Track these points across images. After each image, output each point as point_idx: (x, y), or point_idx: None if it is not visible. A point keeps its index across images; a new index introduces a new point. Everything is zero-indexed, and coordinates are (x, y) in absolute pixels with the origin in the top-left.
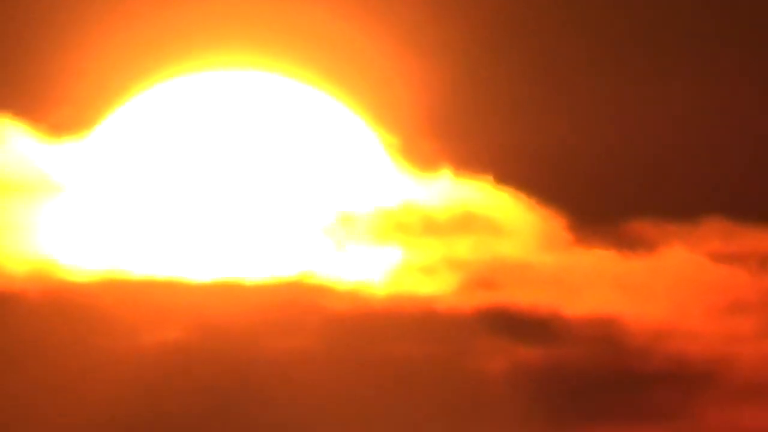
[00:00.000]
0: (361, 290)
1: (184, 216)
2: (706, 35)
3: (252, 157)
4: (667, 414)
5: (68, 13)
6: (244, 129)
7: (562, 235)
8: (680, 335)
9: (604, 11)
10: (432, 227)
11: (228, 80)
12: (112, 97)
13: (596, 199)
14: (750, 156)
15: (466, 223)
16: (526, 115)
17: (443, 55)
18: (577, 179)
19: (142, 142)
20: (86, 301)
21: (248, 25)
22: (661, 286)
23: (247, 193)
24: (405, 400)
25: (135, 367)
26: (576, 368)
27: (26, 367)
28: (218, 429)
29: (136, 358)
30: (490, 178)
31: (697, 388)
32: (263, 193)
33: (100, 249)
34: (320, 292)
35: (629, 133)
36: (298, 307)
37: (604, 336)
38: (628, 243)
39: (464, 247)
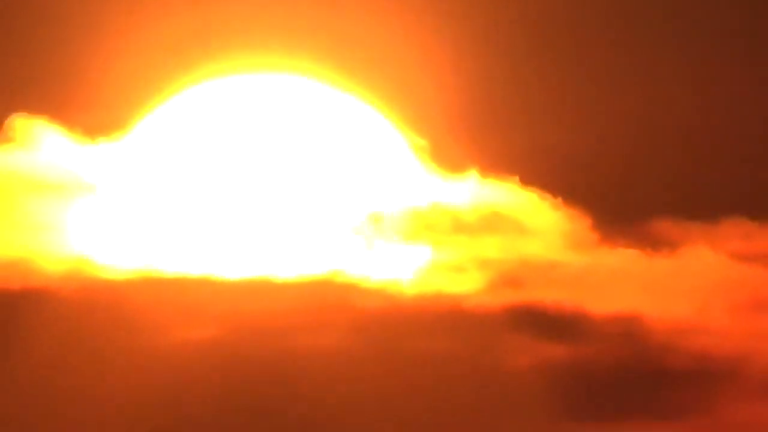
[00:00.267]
0: (390, 288)
1: (217, 215)
2: (729, 39)
3: (284, 159)
4: (689, 410)
5: (102, 18)
6: (276, 131)
7: (587, 234)
8: (702, 333)
9: (630, 15)
10: (460, 227)
11: (259, 83)
12: (144, 101)
13: (620, 199)
14: None
15: (493, 223)
16: (552, 118)
17: (470, 61)
18: (601, 181)
19: (175, 144)
20: (120, 298)
21: (279, 29)
22: (683, 284)
23: (279, 193)
24: (433, 395)
25: (167, 362)
26: (600, 365)
27: (62, 361)
28: (250, 423)
29: (169, 354)
30: (517, 179)
31: (719, 384)
32: (295, 194)
33: (133, 248)
34: (350, 290)
35: (653, 135)
36: (329, 305)
37: (627, 333)
38: (651, 243)
39: (491, 247)
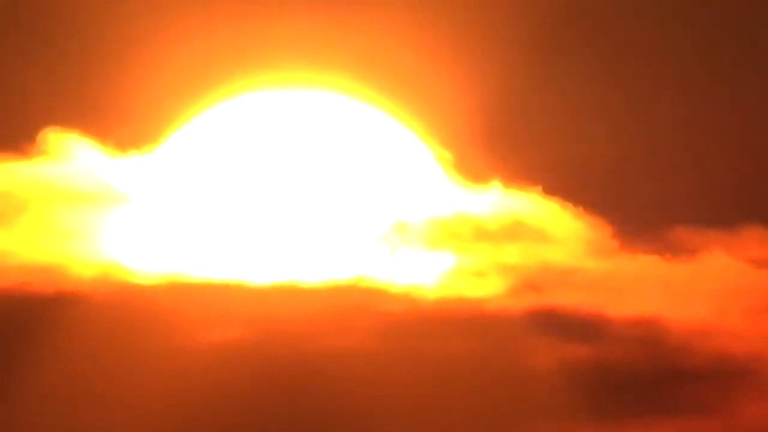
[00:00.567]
0: (414, 293)
1: (245, 222)
2: (750, 49)
3: (313, 169)
4: (707, 410)
5: (134, 33)
6: (306, 142)
7: (608, 241)
8: (720, 335)
9: (651, 27)
10: (483, 234)
11: (289, 98)
12: (174, 115)
13: (640, 208)
14: None
15: (515, 231)
16: (572, 129)
17: (493, 75)
18: (621, 189)
19: (205, 155)
20: (150, 302)
21: (308, 45)
22: (702, 289)
23: (306, 201)
24: (455, 396)
25: (196, 365)
26: (620, 367)
27: (93, 363)
28: (276, 425)
29: (197, 357)
30: (539, 188)
31: (736, 386)
32: (322, 202)
33: (163, 253)
34: (375, 294)
35: (671, 145)
36: (354, 309)
37: (647, 336)
38: (670, 249)
39: (513, 253)
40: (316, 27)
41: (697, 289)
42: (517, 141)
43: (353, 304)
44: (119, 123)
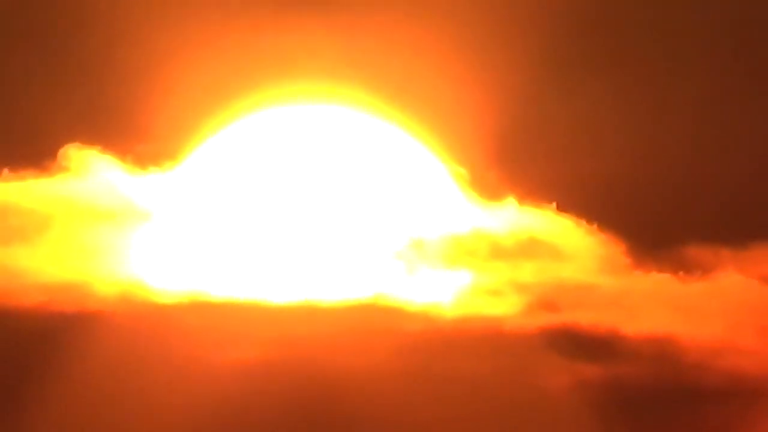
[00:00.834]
0: (431, 311)
1: (265, 241)
2: (763, 66)
3: (329, 187)
4: (721, 428)
5: (152, 52)
6: (322, 159)
7: (621, 259)
8: (733, 353)
9: (664, 46)
10: (498, 252)
11: (306, 114)
12: (194, 131)
13: (653, 225)
14: None
15: (530, 249)
16: (587, 147)
17: (508, 92)
18: (635, 207)
19: (223, 173)
20: (170, 321)
21: (323, 61)
22: (715, 307)
23: (324, 220)
24: (473, 414)
25: (216, 384)
26: (635, 385)
27: (114, 381)
28: None
29: (217, 375)
30: (553, 206)
31: (750, 404)
32: (340, 221)
33: (184, 272)
34: (393, 313)
35: (684, 162)
36: (373, 327)
37: (661, 354)
38: (683, 267)
39: (529, 271)
40: (333, 42)
41: (710, 307)
42: (532, 158)
43: (371, 322)
44: (140, 140)
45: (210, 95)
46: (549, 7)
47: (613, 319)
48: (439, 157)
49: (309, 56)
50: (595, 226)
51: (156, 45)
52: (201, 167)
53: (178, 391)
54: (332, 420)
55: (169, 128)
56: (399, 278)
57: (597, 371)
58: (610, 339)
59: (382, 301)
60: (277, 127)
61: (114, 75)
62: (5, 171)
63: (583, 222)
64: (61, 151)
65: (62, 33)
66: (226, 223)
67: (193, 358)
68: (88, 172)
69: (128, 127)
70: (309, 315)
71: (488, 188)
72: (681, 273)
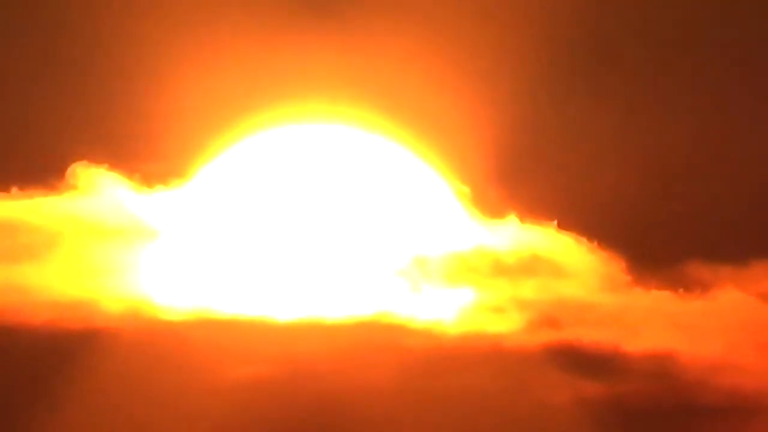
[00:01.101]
0: (434, 328)
1: (270, 259)
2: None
3: (334, 204)
4: None
5: (159, 73)
6: (327, 178)
7: (622, 276)
8: (733, 370)
9: (663, 61)
10: (500, 269)
11: (312, 133)
12: (201, 151)
13: (653, 243)
14: None
15: (532, 266)
16: (588, 165)
17: (510, 111)
18: (635, 225)
19: (230, 191)
20: (178, 337)
21: (329, 81)
22: (714, 324)
23: (329, 238)
24: (476, 430)
25: (222, 400)
26: (636, 401)
27: (121, 398)
28: None
29: (223, 392)
30: (555, 224)
31: (750, 420)
32: (345, 239)
33: (191, 289)
34: (397, 330)
35: (684, 182)
36: (376, 344)
37: (661, 371)
38: (683, 284)
39: (530, 288)
40: (338, 63)
41: (710, 324)
42: (533, 177)
43: (375, 339)
44: (147, 158)
45: (216, 115)
46: (551, 26)
47: (614, 336)
48: (442, 175)
49: (314, 76)
50: (595, 244)
51: (162, 65)
52: (208, 186)
53: (184, 406)
54: None
55: (177, 147)
56: (402, 295)
57: (598, 388)
58: (610, 356)
59: (385, 318)
60: (283, 146)
61: (121, 94)
62: (14, 189)
63: (584, 240)
64: (70, 170)
65: (70, 53)
66: (232, 240)
67: (200, 374)
68: (96, 190)
69: (136, 146)
70: (314, 332)
71: (490, 206)
72: (681, 290)
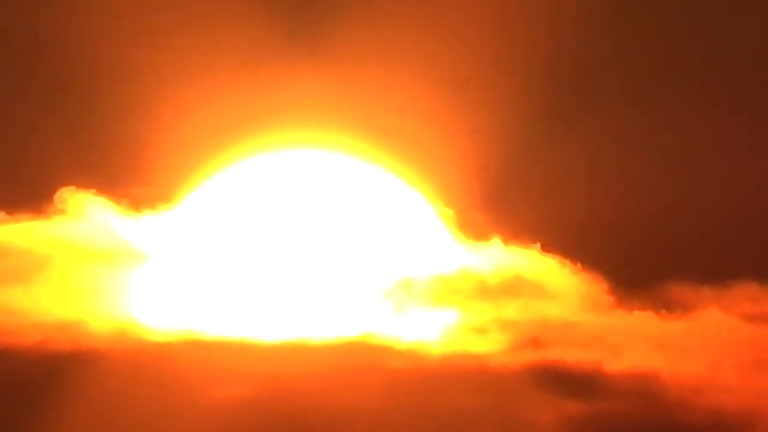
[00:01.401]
0: (419, 349)
1: (255, 281)
2: (740, 108)
3: (320, 228)
4: None
5: (148, 96)
6: (312, 202)
7: (604, 298)
8: (714, 389)
9: (646, 88)
10: (484, 291)
11: (297, 158)
12: (188, 176)
13: (635, 265)
14: None
15: (515, 288)
16: (570, 188)
17: (493, 136)
18: (617, 247)
19: (216, 216)
20: (165, 358)
21: (315, 107)
22: (696, 344)
23: (314, 260)
24: None
25: (208, 421)
26: (618, 420)
27: (110, 418)
28: None
29: (209, 412)
30: (538, 246)
31: None
32: (329, 261)
33: (177, 311)
34: (382, 351)
35: (665, 203)
36: (361, 365)
37: (644, 390)
38: (665, 305)
39: (514, 309)
40: (324, 90)
41: (691, 344)
42: (517, 199)
43: (360, 360)
44: (135, 183)
45: (203, 141)
46: (533, 55)
47: (597, 357)
48: (427, 199)
49: (300, 104)
50: (578, 265)
51: (150, 91)
52: (194, 210)
53: (171, 426)
54: None
55: (164, 172)
56: (387, 316)
57: (581, 407)
58: (593, 376)
59: (370, 339)
60: (269, 172)
61: (109, 120)
62: (2, 213)
63: (567, 262)
64: (58, 194)
65: (58, 79)
66: (218, 264)
67: (186, 394)
68: (84, 214)
69: (123, 171)
70: (299, 353)
71: (474, 229)
72: (663, 311)
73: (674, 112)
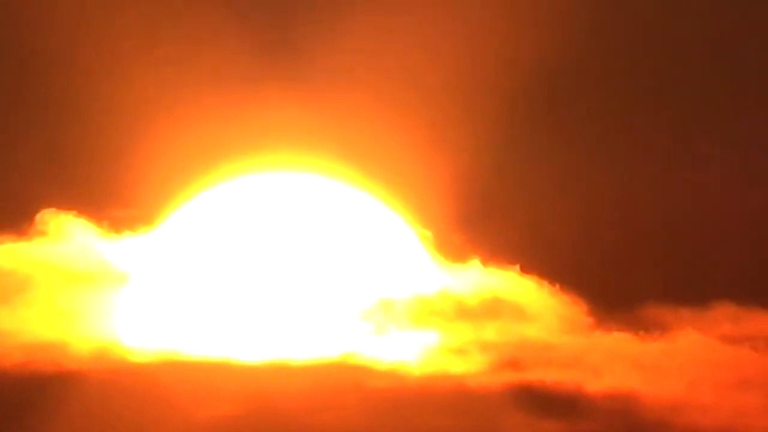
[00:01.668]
0: (399, 370)
1: (237, 302)
2: (720, 129)
3: (301, 250)
4: None
5: (129, 118)
6: (293, 225)
7: (583, 319)
8: (693, 410)
9: (626, 110)
10: (463, 312)
11: (279, 180)
12: (168, 198)
13: (614, 287)
14: (756, 246)
15: (494, 309)
16: (548, 210)
17: (472, 160)
18: (596, 269)
19: (197, 237)
20: (147, 379)
21: (297, 131)
22: (674, 365)
23: (295, 282)
24: None
25: None
26: None
27: None
28: None
29: (193, 431)
30: (517, 268)
31: None
32: (310, 283)
33: (158, 332)
34: (362, 371)
35: (644, 227)
36: (342, 385)
37: (623, 411)
38: (643, 326)
39: (493, 331)
40: (304, 113)
41: (670, 365)
42: (496, 221)
43: (340, 380)
44: (115, 205)
45: (184, 163)
46: (512, 73)
47: (576, 377)
48: (406, 221)
49: (281, 127)
50: (557, 287)
51: (131, 114)
52: (175, 232)
53: None
54: None
55: (144, 194)
56: (367, 337)
57: (560, 427)
58: (572, 396)
59: (351, 360)
60: (252, 193)
61: (89, 143)
62: None
63: (546, 283)
64: (39, 216)
65: (38, 102)
66: (199, 285)
67: (168, 414)
68: (65, 235)
69: (104, 193)
70: (280, 373)
71: (453, 250)
72: (641, 332)
73: (651, 136)
